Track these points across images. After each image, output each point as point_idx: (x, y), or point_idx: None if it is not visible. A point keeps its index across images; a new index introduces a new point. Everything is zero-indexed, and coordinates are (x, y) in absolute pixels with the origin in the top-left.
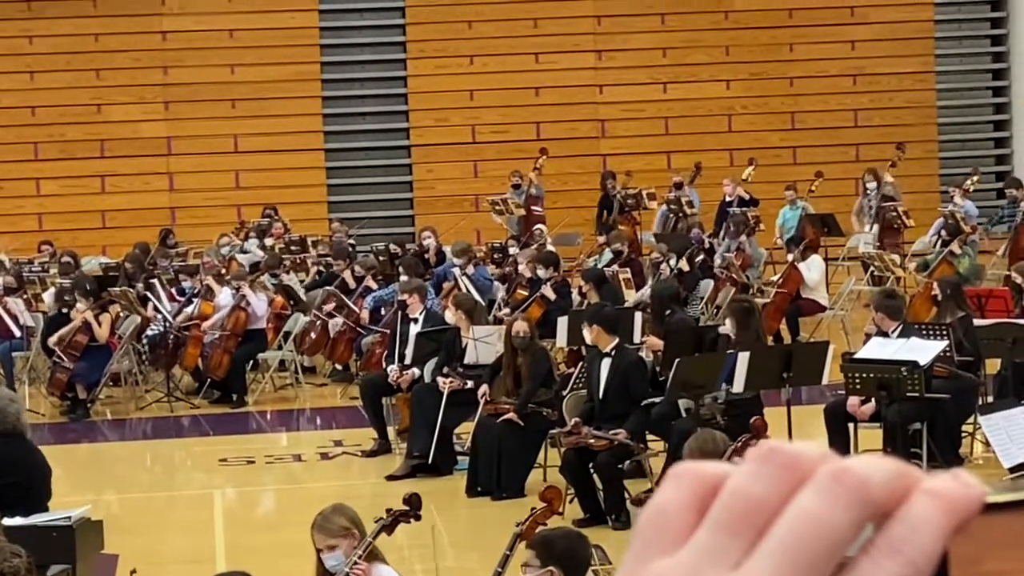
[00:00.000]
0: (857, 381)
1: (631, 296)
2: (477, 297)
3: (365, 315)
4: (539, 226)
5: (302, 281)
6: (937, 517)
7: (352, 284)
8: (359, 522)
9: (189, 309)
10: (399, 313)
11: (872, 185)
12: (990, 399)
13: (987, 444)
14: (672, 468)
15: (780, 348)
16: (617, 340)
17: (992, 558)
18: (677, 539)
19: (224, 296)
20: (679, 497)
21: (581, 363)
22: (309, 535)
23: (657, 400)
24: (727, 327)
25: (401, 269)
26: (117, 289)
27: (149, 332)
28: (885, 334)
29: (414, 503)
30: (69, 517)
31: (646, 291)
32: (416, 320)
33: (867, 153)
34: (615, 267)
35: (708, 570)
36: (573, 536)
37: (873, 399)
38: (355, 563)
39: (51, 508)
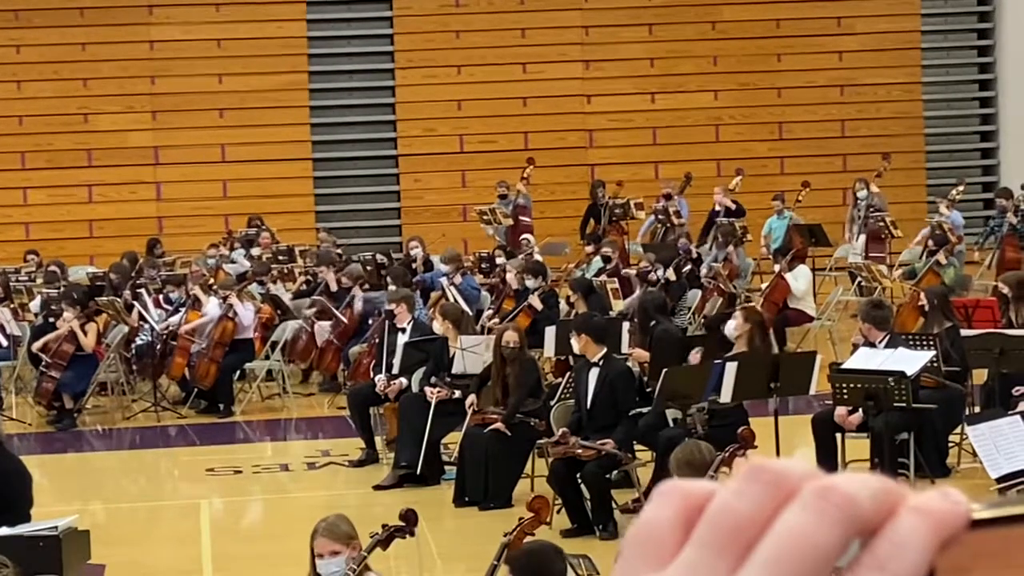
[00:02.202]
0: (844, 391)
1: (618, 306)
2: (464, 307)
3: (359, 306)
4: (526, 236)
5: (288, 290)
6: (922, 534)
7: (334, 287)
8: (357, 533)
9: (176, 319)
10: (387, 323)
11: (862, 194)
12: (977, 409)
13: (974, 454)
14: (659, 486)
15: (767, 358)
16: (605, 350)
17: (979, 567)
18: (664, 557)
19: (211, 306)
20: (666, 515)
21: (569, 373)
22: (295, 544)
23: (645, 410)
24: (735, 331)
25: (389, 279)
26: (104, 299)
27: (137, 341)
28: (872, 344)
29: (410, 519)
30: (56, 527)
31: (633, 300)
32: (404, 330)
33: (854, 163)
34: (603, 277)
35: None
36: (546, 549)
37: (860, 409)
38: None
39: (37, 518)
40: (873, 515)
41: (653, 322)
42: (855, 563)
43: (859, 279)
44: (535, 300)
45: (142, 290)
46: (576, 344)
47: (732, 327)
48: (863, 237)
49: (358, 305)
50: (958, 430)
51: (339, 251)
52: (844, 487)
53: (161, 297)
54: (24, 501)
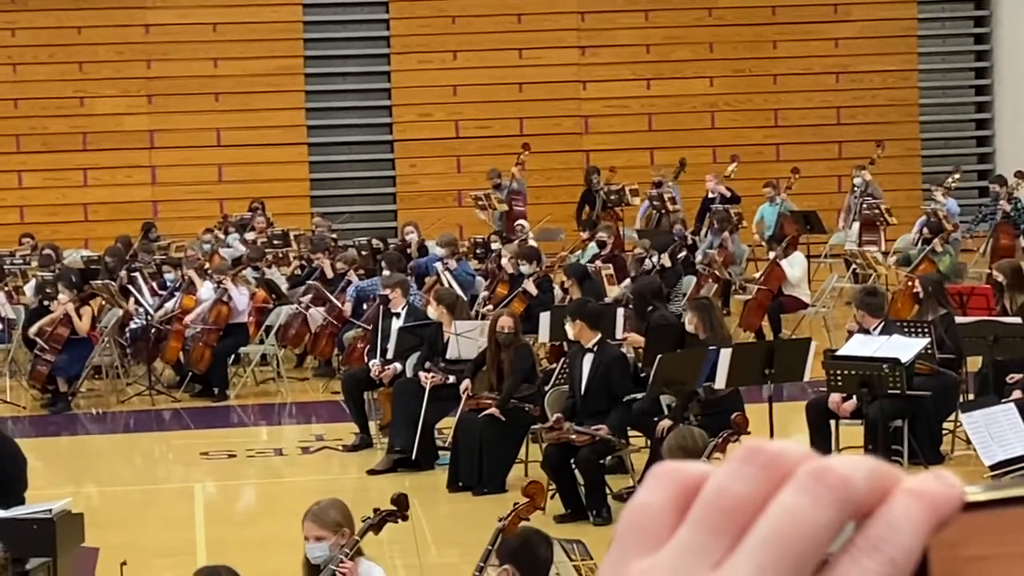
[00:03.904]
0: (839, 378)
1: (613, 292)
2: (459, 292)
3: (348, 307)
4: (521, 221)
5: (283, 275)
6: (917, 516)
7: (330, 273)
8: (351, 521)
9: (170, 304)
10: (381, 308)
11: (858, 180)
12: (971, 397)
13: (968, 442)
14: (653, 468)
15: (762, 345)
16: (599, 336)
17: (972, 543)
18: (658, 539)
19: (206, 290)
20: (660, 497)
21: (563, 359)
22: (289, 529)
23: (639, 396)
24: (690, 326)
25: (383, 264)
26: (99, 282)
27: (131, 325)
28: (867, 331)
29: (401, 503)
30: (50, 510)
31: (627, 285)
32: (398, 315)
33: (849, 151)
34: (597, 263)
35: (690, 569)
36: (531, 535)
37: (855, 396)
38: (340, 561)
39: (32, 501)
40: (868, 497)
41: (650, 308)
42: (849, 544)
43: (854, 266)
44: (530, 285)
45: (137, 274)
46: (571, 330)
47: (687, 323)
48: (857, 224)
49: (351, 291)
50: (952, 417)
51: (334, 236)
52: (839, 469)
53: (156, 282)
54: (19, 484)
